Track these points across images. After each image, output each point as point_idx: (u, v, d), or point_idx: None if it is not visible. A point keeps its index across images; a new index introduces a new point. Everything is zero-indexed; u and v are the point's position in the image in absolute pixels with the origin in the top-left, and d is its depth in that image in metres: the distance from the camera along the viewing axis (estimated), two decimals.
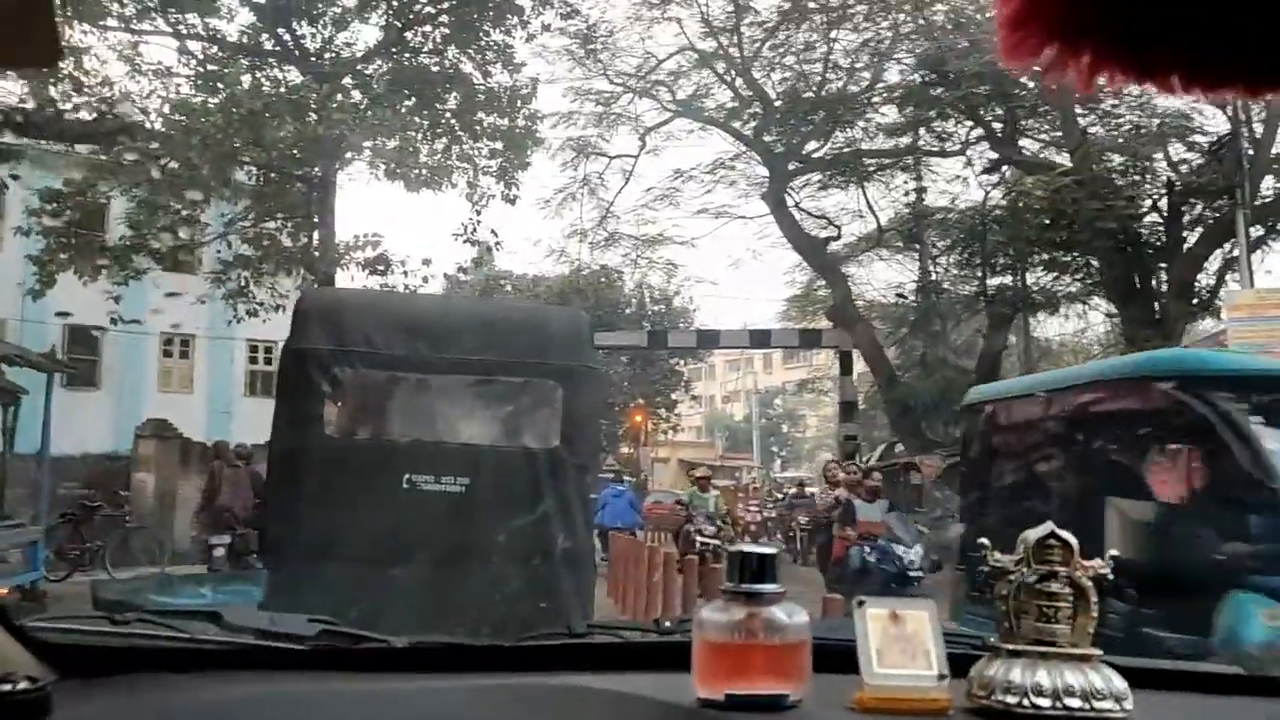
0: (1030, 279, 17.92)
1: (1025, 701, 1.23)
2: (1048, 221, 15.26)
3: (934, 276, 20.17)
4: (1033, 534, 1.31)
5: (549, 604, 4.79)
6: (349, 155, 19.18)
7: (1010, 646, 1.28)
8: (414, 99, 19.77)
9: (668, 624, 1.81)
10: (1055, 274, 17.20)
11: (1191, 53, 0.53)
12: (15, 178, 16.17)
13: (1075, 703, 1.22)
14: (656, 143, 24.46)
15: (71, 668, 1.25)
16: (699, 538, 13.71)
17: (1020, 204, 15.87)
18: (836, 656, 1.30)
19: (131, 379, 27.15)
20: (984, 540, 1.37)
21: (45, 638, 1.27)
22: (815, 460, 68.12)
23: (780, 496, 28.42)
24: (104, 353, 27.15)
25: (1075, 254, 15.90)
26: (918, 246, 20.77)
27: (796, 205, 21.17)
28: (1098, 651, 1.27)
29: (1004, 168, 18.19)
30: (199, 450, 21.78)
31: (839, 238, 21.45)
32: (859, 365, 22.74)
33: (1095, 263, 15.72)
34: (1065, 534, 1.30)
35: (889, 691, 1.25)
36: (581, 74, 23.81)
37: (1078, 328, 21.55)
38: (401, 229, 47.63)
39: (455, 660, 1.46)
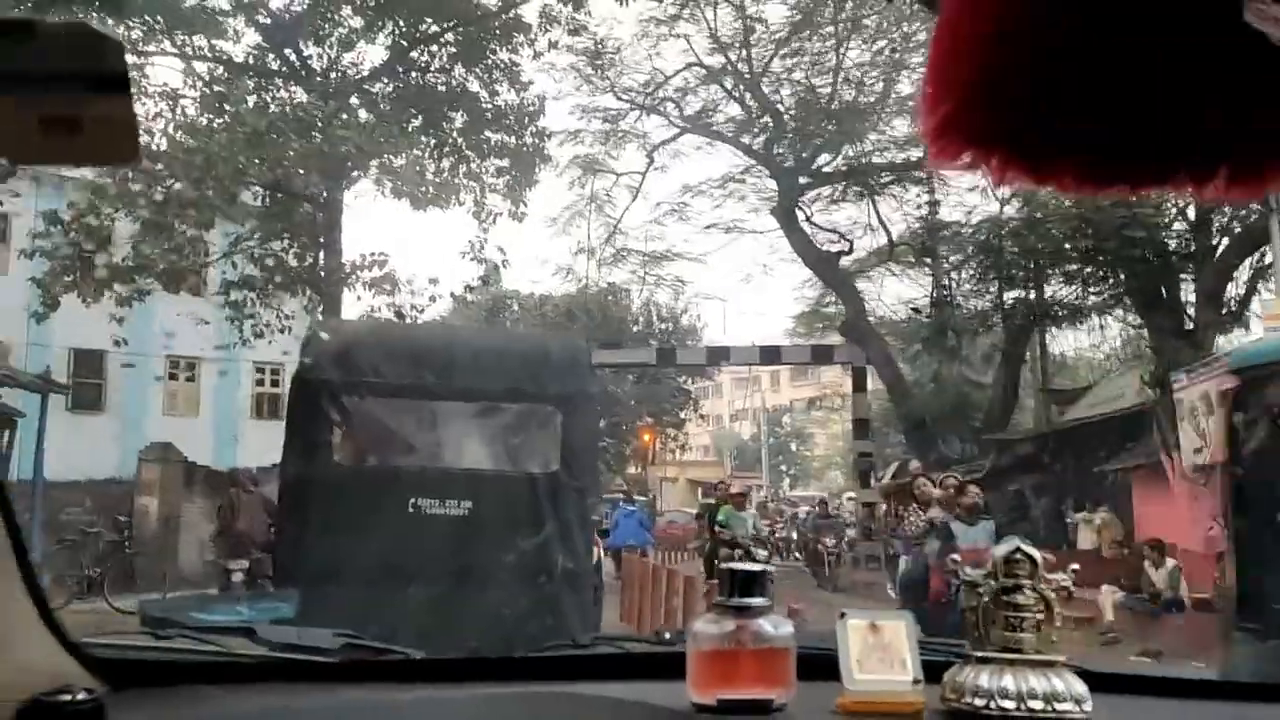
0: (1048, 292, 17.63)
1: (992, 704, 1.31)
2: (1069, 231, 14.98)
3: (948, 291, 19.85)
4: (1000, 550, 1.41)
5: (553, 622, 4.90)
6: (355, 174, 18.94)
7: (980, 654, 1.37)
8: (420, 118, 19.59)
9: (668, 635, 1.88)
10: (1076, 285, 16.91)
11: (1080, 159, 0.63)
12: (16, 195, 15.88)
13: (1038, 705, 1.31)
14: (664, 160, 24.39)
15: (122, 680, 1.34)
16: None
17: (1038, 215, 15.60)
18: (820, 664, 1.38)
19: (136, 402, 26.92)
20: (955, 556, 1.73)
21: (98, 653, 1.35)
22: (824, 479, 67.82)
23: (799, 515, 28.01)
24: (109, 376, 26.85)
25: (1098, 264, 15.60)
26: (930, 260, 20.49)
27: (808, 219, 20.93)
28: (1061, 658, 1.36)
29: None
30: (204, 474, 21.56)
31: (850, 252, 21.25)
32: (872, 382, 22.43)
33: (1120, 273, 15.41)
34: (1031, 549, 1.39)
35: (867, 696, 1.35)
36: (589, 91, 23.71)
37: (1093, 341, 21.29)
38: (408, 248, 47.47)
39: (470, 671, 1.56)
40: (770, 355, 22.75)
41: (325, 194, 20.45)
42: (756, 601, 1.33)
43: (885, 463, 27.04)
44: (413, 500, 5.12)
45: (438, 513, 5.09)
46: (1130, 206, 13.57)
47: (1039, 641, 1.38)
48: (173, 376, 28.18)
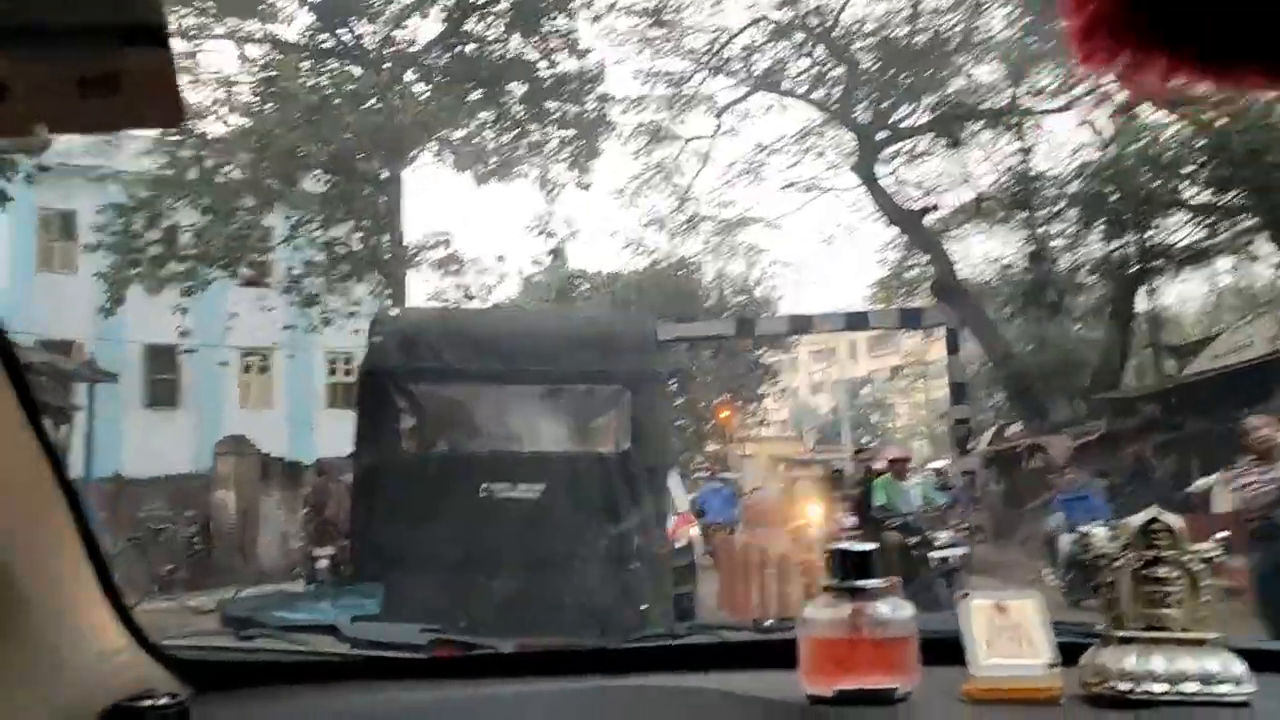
0: (1159, 238, 16.19)
1: (1140, 688, 1.22)
2: (1196, 162, 13.59)
3: (1044, 243, 18.50)
4: (1135, 519, 1.29)
5: (630, 605, 4.84)
6: (413, 150, 18.22)
7: (1121, 634, 1.27)
8: (478, 90, 18.79)
9: (768, 623, 1.79)
10: (1195, 225, 15.46)
11: (1266, 50, 0.53)
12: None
13: (1192, 687, 1.21)
14: (732, 123, 23.25)
15: (205, 682, 1.33)
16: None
17: (1156, 150, 14.22)
18: (944, 649, 1.30)
19: (211, 396, 26.71)
20: (1084, 529, 1.36)
21: (180, 655, 1.34)
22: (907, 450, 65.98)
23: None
24: (183, 371, 26.68)
25: (1232, 196, 14.12)
26: (1025, 211, 19.11)
27: (893, 173, 19.70)
28: (1214, 635, 1.25)
29: (1134, 110, 16.42)
30: (279, 466, 21.22)
31: (936, 208, 19.94)
32: (966, 344, 21.10)
33: (1257, 205, 13.93)
34: (1170, 517, 1.28)
35: (997, 681, 1.26)
36: (650, 54, 22.69)
37: (1210, 288, 19.65)
38: (473, 227, 46.77)
39: (561, 664, 1.52)
40: (856, 321, 21.58)
41: (385, 174, 19.81)
42: (872, 583, 1.22)
43: (978, 429, 25.71)
44: (484, 485, 5.06)
45: (509, 496, 5.01)
46: (1272, 129, 12.19)
47: (1186, 618, 1.26)
48: (245, 369, 27.93)
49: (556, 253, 19.34)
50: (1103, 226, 16.17)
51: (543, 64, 20.48)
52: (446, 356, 5.21)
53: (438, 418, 5.60)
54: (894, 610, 1.22)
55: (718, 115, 22.89)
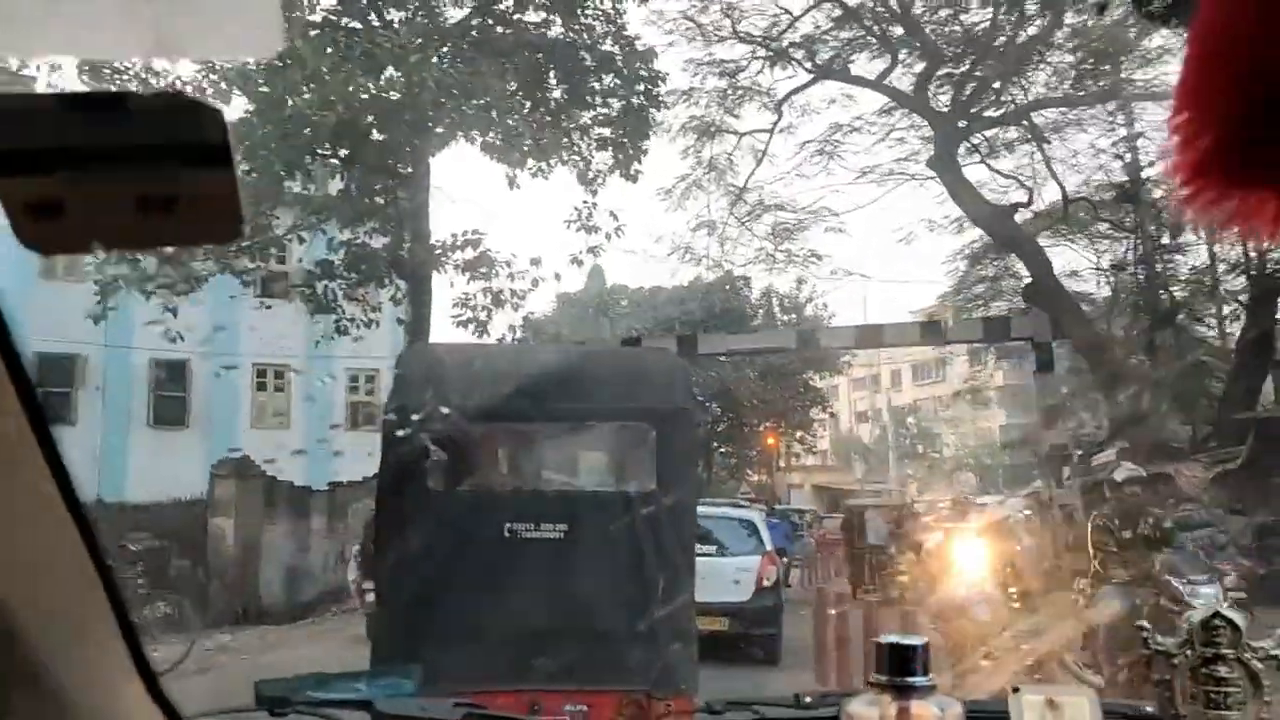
0: None
1: None
2: None
3: (1156, 246, 16.04)
4: (1196, 614, 1.25)
5: (649, 651, 4.58)
6: (439, 130, 16.03)
7: None
8: (513, 72, 16.58)
9: (808, 699, 1.73)
10: None
11: None
12: None
13: None
14: (791, 119, 20.89)
15: None
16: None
17: None
18: None
19: (222, 415, 24.61)
20: (1142, 623, 1.35)
21: None
22: (955, 482, 63.16)
23: None
24: (193, 388, 24.67)
25: None
26: (1130, 208, 16.66)
27: (984, 160, 17.23)
28: None
29: None
30: (287, 491, 19.02)
31: (1030, 203, 17.45)
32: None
33: None
34: (1232, 613, 1.24)
35: None
36: (702, 42, 20.41)
37: None
38: (505, 225, 44.19)
39: None
40: (932, 333, 19.21)
41: (409, 166, 17.66)
42: (919, 681, 1.16)
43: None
44: (508, 525, 4.93)
45: (533, 536, 4.90)
46: None
47: None
48: (260, 386, 25.87)
49: (595, 250, 17.00)
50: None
51: (584, 51, 18.34)
52: (473, 394, 5.06)
53: (462, 456, 5.41)
54: (943, 709, 1.16)
55: (776, 108, 20.61)
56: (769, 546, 11.42)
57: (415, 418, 4.93)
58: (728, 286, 30.32)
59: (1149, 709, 1.44)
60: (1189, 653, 1.22)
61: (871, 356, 45.05)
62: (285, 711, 1.60)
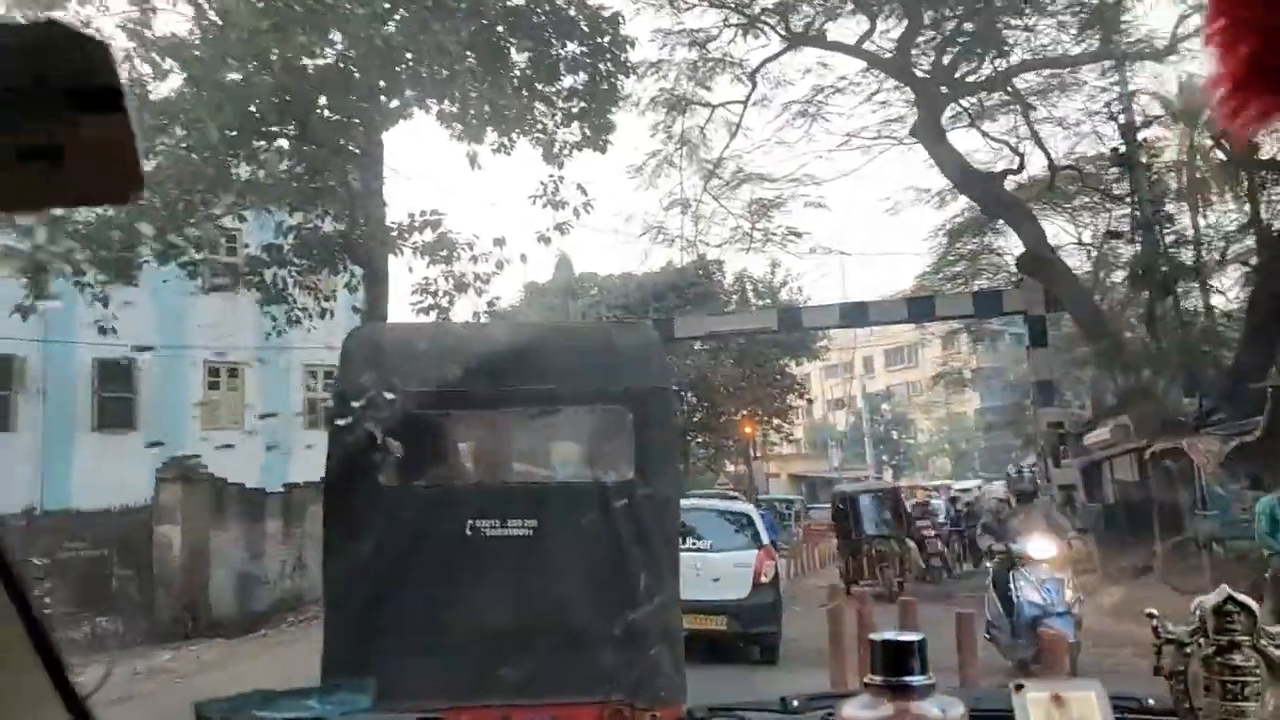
0: None
1: None
2: None
3: (1155, 210, 15.12)
4: (1208, 600, 1.19)
5: (631, 656, 4.22)
6: (393, 103, 14.84)
7: None
8: (470, 34, 15.37)
9: (795, 703, 1.66)
10: None
11: None
12: None
13: None
14: (765, 90, 19.86)
15: None
16: None
17: None
18: None
19: (171, 416, 23.26)
20: (1151, 610, 1.24)
21: None
22: (930, 468, 62.69)
23: (943, 507, 23.10)
24: (141, 388, 23.34)
25: None
26: (1129, 172, 15.74)
27: (974, 123, 16.23)
28: None
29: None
30: (239, 494, 17.75)
31: (1021, 168, 16.48)
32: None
33: None
34: (1245, 598, 1.17)
35: None
36: (671, 11, 19.30)
37: None
38: (467, 205, 42.33)
39: None
40: (921, 310, 18.28)
41: (360, 141, 16.45)
42: (917, 680, 1.10)
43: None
44: (470, 521, 4.47)
45: (499, 534, 4.43)
46: None
47: (1265, 711, 1.15)
48: (213, 385, 24.54)
49: (563, 228, 15.84)
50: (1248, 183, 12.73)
51: (547, 15, 17.16)
52: (428, 376, 4.70)
53: (418, 446, 4.90)
54: (944, 710, 1.10)
55: (750, 78, 19.54)
56: (765, 540, 10.81)
57: (363, 404, 4.56)
58: (700, 271, 29.27)
59: (1154, 701, 1.40)
60: (1202, 641, 1.15)
61: (846, 341, 44.26)
62: None
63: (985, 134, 16.81)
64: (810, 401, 40.92)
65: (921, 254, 54.21)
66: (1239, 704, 1.13)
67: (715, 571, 9.65)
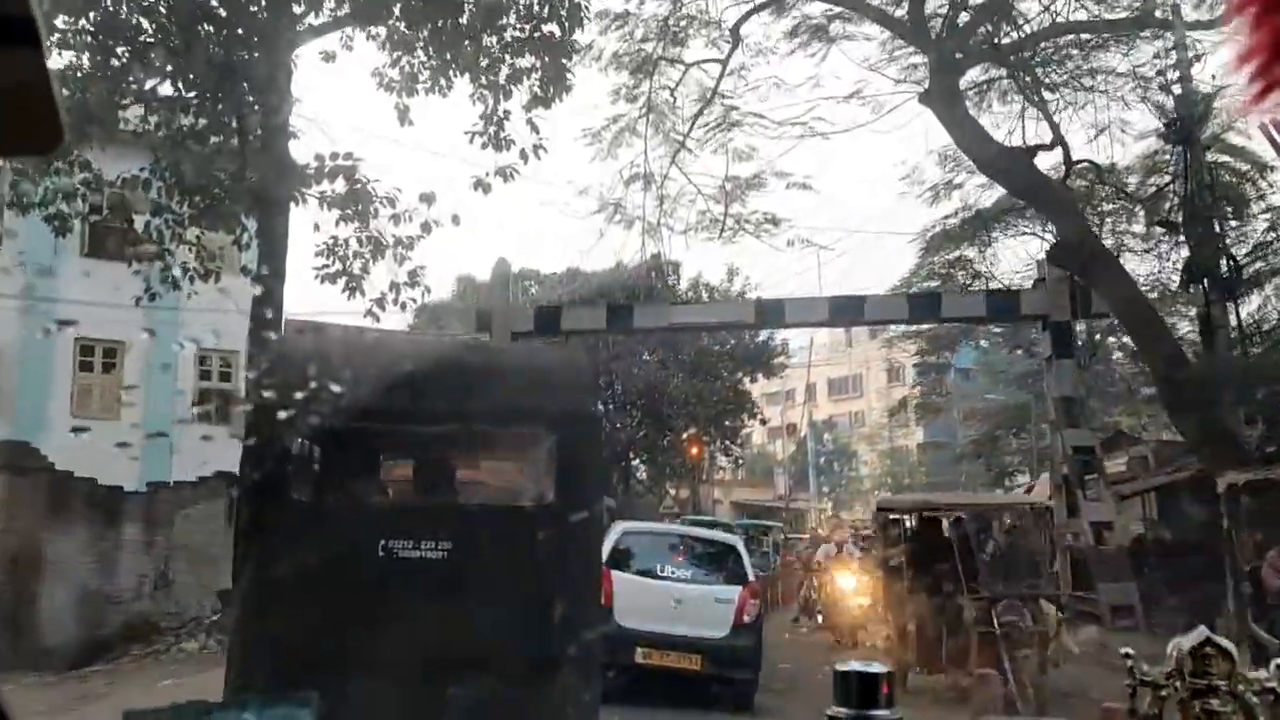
0: None
1: None
2: None
3: (1213, 196, 12.56)
4: (1186, 641, 1.18)
5: (551, 689, 4.16)
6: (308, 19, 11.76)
7: None
8: None
9: None
10: None
11: None
12: None
13: None
14: (744, 60, 17.02)
15: None
16: None
17: None
18: None
19: (35, 402, 19.55)
20: (1127, 649, 1.23)
21: None
22: (871, 501, 60.34)
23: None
24: (2, 373, 19.58)
25: None
26: (1181, 151, 13.13)
27: (1022, 90, 13.47)
28: None
29: None
30: (85, 490, 14.26)
31: (1055, 144, 13.75)
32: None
33: None
34: (1224, 641, 1.17)
35: None
36: None
37: None
38: (390, 152, 37.97)
39: None
40: (925, 309, 15.56)
41: (261, 64, 13.24)
42: (881, 714, 1.11)
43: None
44: (383, 542, 4.32)
45: (412, 555, 4.29)
46: None
47: None
48: (85, 366, 20.82)
49: (508, 173, 12.67)
50: None
51: None
52: (349, 390, 4.27)
53: (335, 462, 4.76)
54: None
55: (732, 33, 16.67)
56: (751, 577, 9.75)
57: (279, 416, 4.30)
58: (654, 272, 26.30)
59: None
60: (1178, 684, 1.12)
61: (799, 360, 41.55)
62: None
63: (1030, 98, 14.02)
64: (764, 423, 38.02)
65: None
66: None
67: (694, 606, 9.09)
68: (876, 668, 1.18)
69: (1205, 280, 12.63)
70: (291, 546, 4.24)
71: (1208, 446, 11.58)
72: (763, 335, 32.32)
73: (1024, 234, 22.71)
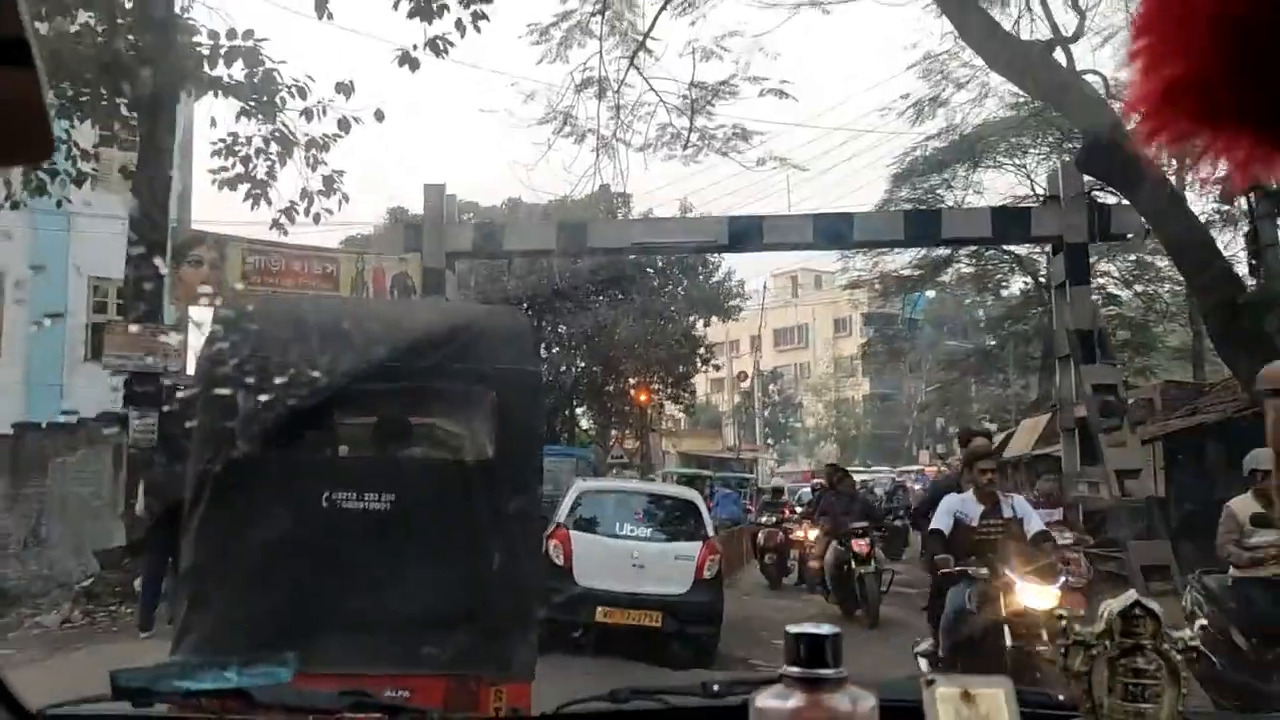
0: None
1: None
2: None
3: None
4: (1116, 603, 1.22)
5: (483, 631, 4.17)
6: None
7: None
8: None
9: (715, 687, 1.68)
10: None
11: None
12: None
13: None
14: None
15: None
16: None
17: None
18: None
19: None
20: (1061, 611, 1.34)
21: None
22: (815, 453, 59.29)
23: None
24: None
25: None
26: None
27: None
28: None
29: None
30: None
31: (1078, 35, 11.82)
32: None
33: None
34: (1151, 603, 1.22)
35: None
36: None
37: None
38: (300, 33, 34.26)
39: None
40: (923, 228, 13.63)
41: None
42: (828, 672, 1.12)
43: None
44: (326, 493, 4.31)
45: (355, 507, 4.30)
46: None
47: (1164, 713, 1.19)
48: None
49: (440, 45, 10.31)
50: None
51: None
52: (293, 350, 4.37)
53: (279, 418, 4.48)
54: (854, 702, 1.12)
55: None
56: (710, 532, 9.93)
57: (226, 375, 4.37)
58: (603, 205, 24.13)
59: (1063, 698, 1.38)
60: (1108, 643, 1.19)
61: (750, 308, 39.73)
62: (149, 702, 1.52)
63: None
64: (718, 368, 36.21)
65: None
66: (1140, 705, 1.16)
67: (653, 563, 9.23)
68: (826, 629, 1.09)
69: (1251, 191, 10.91)
70: (236, 500, 4.31)
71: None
72: (719, 275, 30.55)
73: (1013, 163, 21.07)
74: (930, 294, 31.19)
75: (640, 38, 15.23)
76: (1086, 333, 12.39)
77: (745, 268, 72.54)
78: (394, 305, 12.52)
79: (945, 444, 42.96)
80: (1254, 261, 11.12)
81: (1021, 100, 16.74)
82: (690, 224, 15.15)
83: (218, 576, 4.33)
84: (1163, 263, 22.89)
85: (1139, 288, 22.83)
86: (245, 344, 4.49)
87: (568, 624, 8.13)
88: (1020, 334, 24.97)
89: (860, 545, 11.01)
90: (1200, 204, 12.81)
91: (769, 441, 56.00)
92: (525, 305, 21.99)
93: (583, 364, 28.26)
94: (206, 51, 11.60)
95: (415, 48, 10.61)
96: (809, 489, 20.06)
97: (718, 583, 9.55)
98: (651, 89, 15.30)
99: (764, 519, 16.03)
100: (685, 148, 15.58)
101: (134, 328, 11.95)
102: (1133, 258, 21.98)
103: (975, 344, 30.34)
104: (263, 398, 4.38)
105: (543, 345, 26.12)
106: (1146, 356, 22.35)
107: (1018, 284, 25.30)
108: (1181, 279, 22.20)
